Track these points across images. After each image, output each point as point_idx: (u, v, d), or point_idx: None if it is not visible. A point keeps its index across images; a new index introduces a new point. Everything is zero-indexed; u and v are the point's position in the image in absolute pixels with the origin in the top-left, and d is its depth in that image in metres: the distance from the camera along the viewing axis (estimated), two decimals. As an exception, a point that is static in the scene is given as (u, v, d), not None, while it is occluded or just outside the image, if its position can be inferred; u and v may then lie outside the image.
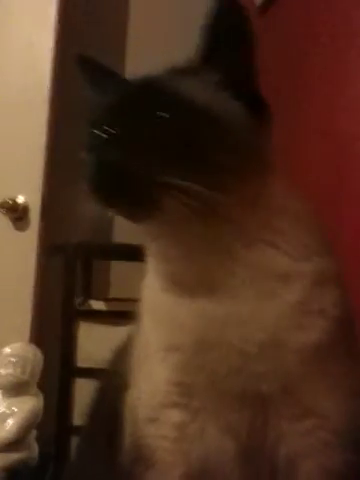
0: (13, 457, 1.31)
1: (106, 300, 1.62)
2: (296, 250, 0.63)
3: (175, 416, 0.65)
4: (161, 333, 0.66)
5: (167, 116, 0.60)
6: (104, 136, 0.61)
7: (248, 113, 0.64)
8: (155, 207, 0.59)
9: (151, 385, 0.67)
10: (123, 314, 1.33)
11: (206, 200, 0.57)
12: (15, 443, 1.32)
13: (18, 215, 1.79)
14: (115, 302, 1.61)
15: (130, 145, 0.59)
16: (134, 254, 1.34)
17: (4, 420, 1.34)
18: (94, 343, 1.37)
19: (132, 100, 0.63)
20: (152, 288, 0.69)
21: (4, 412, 1.36)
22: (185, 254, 0.64)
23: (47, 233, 1.82)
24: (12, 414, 1.35)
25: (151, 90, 0.64)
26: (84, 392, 1.37)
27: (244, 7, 0.62)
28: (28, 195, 1.79)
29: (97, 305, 1.57)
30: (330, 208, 1.07)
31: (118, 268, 2.02)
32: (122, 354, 0.79)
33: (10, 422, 1.34)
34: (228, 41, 0.63)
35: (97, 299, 1.61)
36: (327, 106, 1.19)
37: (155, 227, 0.63)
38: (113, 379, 0.78)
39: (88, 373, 1.34)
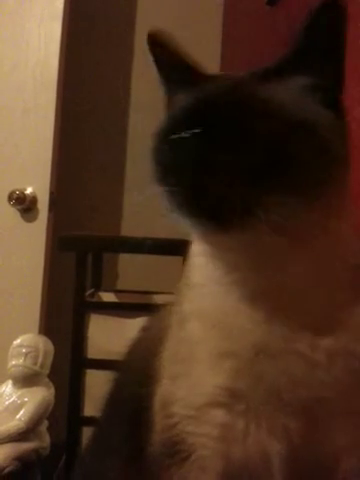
0: (25, 447, 1.32)
1: (116, 292, 1.63)
2: None
3: (220, 416, 0.62)
4: (214, 338, 0.62)
5: (260, 127, 0.55)
6: (186, 151, 0.55)
7: (338, 120, 0.59)
8: (240, 223, 0.55)
9: (196, 387, 0.63)
10: (134, 306, 1.36)
11: (296, 216, 0.55)
12: (27, 433, 1.33)
13: (26, 206, 1.79)
14: (124, 294, 1.62)
15: (218, 163, 0.54)
16: (143, 247, 1.35)
17: (16, 410, 1.35)
18: (104, 335, 1.38)
19: (219, 108, 0.57)
20: (203, 290, 0.65)
21: (16, 402, 1.37)
22: (250, 263, 0.60)
23: (55, 224, 1.84)
24: (24, 404, 1.36)
25: (239, 97, 0.58)
26: (94, 383, 1.39)
27: (345, 7, 0.56)
28: (36, 186, 1.80)
29: (107, 297, 1.58)
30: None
31: (126, 260, 2.03)
32: (140, 348, 0.77)
33: (22, 412, 1.35)
34: (323, 43, 0.58)
35: (106, 291, 1.63)
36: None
37: (227, 238, 0.58)
38: (131, 373, 0.76)
39: (98, 364, 1.35)
